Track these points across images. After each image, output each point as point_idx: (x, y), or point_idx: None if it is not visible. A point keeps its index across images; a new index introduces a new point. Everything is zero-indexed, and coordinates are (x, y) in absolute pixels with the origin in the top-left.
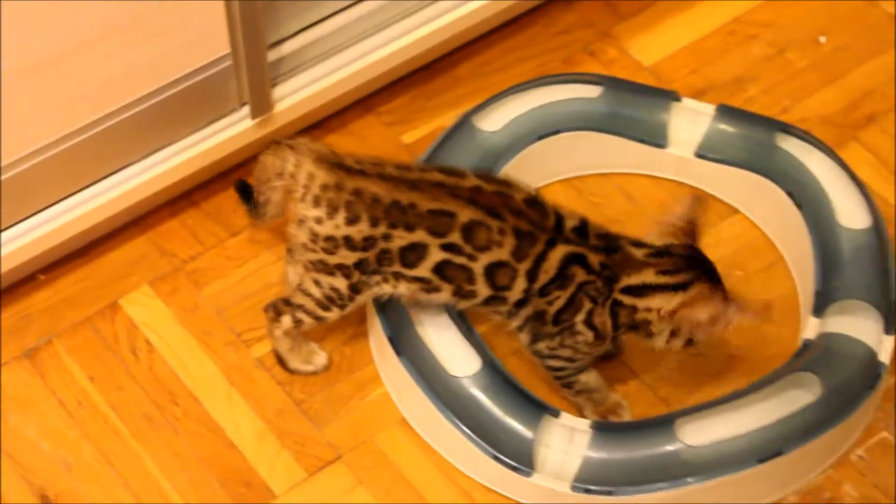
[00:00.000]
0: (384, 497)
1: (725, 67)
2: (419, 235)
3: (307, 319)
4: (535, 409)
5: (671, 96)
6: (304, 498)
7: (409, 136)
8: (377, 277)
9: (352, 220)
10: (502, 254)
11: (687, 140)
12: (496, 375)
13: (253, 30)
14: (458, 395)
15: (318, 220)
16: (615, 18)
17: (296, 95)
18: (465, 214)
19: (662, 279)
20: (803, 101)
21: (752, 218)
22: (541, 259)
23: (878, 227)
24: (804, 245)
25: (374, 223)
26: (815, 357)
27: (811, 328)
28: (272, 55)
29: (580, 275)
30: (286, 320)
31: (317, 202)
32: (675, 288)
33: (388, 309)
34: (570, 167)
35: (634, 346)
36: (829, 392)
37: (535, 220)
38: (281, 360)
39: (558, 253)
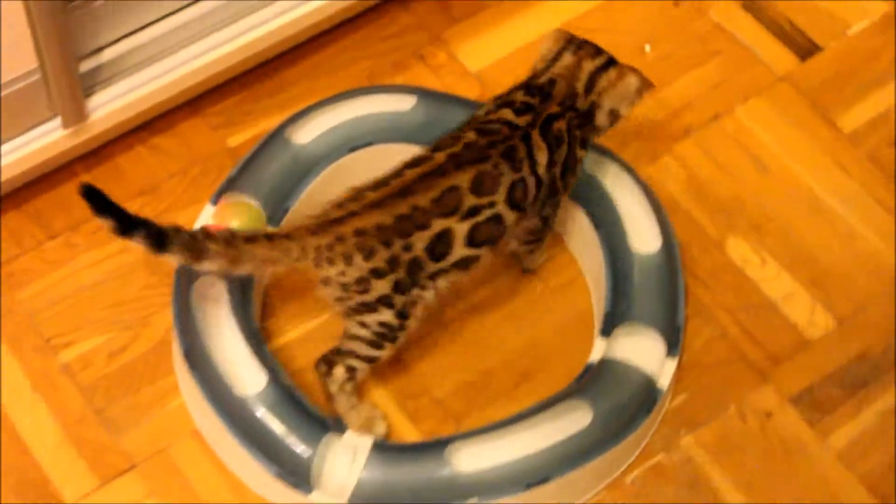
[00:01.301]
0: None
1: None
2: (437, 225)
3: (360, 365)
4: (318, 428)
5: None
6: None
7: (234, 139)
8: (416, 290)
9: (369, 255)
10: (506, 180)
11: None
12: (281, 393)
13: (59, 45)
14: (243, 413)
15: (342, 273)
16: (448, 21)
17: (113, 104)
18: (464, 178)
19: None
20: None
21: (559, 232)
22: (531, 151)
23: (669, 251)
24: (600, 265)
25: (388, 245)
26: (592, 382)
27: (598, 350)
28: (88, 65)
29: (561, 125)
30: (339, 372)
31: (331, 262)
32: (605, 66)
33: (184, 322)
34: None
35: (432, 360)
36: (601, 418)
37: (503, 132)
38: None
39: (538, 133)
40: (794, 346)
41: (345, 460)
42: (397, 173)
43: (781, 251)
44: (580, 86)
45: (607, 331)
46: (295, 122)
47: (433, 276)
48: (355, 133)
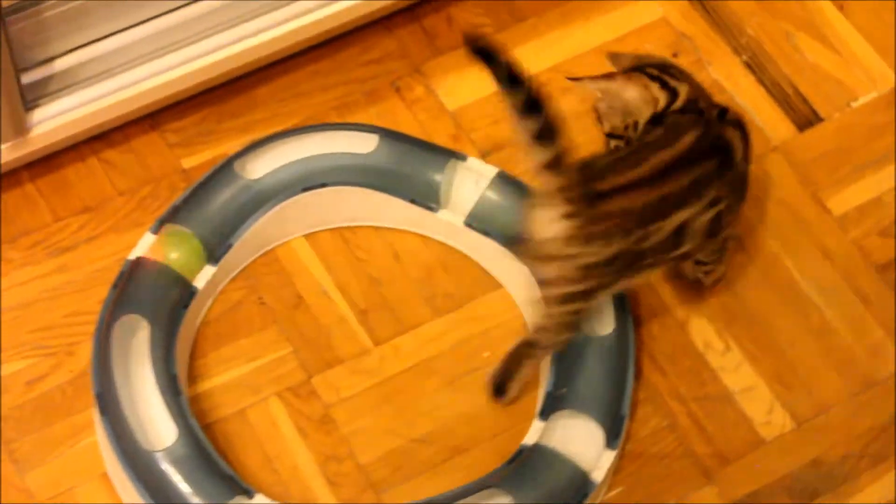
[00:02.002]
0: None
1: None
2: (678, 217)
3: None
4: (226, 488)
5: (454, 155)
6: None
7: (189, 160)
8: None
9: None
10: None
11: (460, 205)
12: (191, 449)
13: None
14: (149, 466)
15: (594, 254)
16: (431, 52)
17: (60, 118)
18: (708, 167)
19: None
20: None
21: (513, 296)
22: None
23: (623, 333)
24: None
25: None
26: (519, 469)
27: (534, 432)
28: (32, 76)
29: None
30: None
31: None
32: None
33: (101, 361)
34: (338, 218)
35: (363, 420)
36: None
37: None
38: (500, 387)
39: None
40: (746, 444)
41: None
42: (649, 146)
43: (747, 338)
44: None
45: (546, 413)
46: (247, 155)
47: (653, 265)
48: (309, 172)
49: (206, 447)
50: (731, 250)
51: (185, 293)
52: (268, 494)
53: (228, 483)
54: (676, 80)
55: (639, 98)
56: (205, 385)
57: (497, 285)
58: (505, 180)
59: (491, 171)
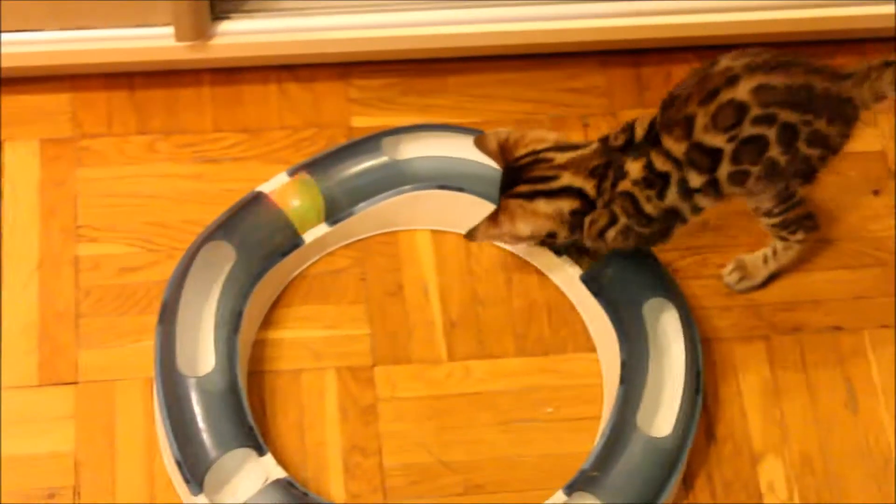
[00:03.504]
0: None
1: None
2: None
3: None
4: (242, 436)
5: None
6: None
7: (359, 119)
8: None
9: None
10: None
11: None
12: (223, 386)
13: None
14: (177, 388)
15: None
16: (636, 100)
17: (244, 37)
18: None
19: None
20: None
21: (601, 364)
22: None
23: (679, 443)
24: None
25: None
26: None
27: (557, 498)
28: None
29: None
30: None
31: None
32: None
33: (180, 275)
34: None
35: (403, 425)
36: None
37: None
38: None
39: None
40: None
41: (248, 480)
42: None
43: (815, 497)
44: None
45: (572, 489)
46: (401, 134)
47: None
48: (453, 172)
49: (238, 391)
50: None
51: (289, 242)
52: (284, 459)
53: (245, 432)
54: (554, 179)
55: (537, 227)
56: (276, 333)
57: (591, 348)
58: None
59: None
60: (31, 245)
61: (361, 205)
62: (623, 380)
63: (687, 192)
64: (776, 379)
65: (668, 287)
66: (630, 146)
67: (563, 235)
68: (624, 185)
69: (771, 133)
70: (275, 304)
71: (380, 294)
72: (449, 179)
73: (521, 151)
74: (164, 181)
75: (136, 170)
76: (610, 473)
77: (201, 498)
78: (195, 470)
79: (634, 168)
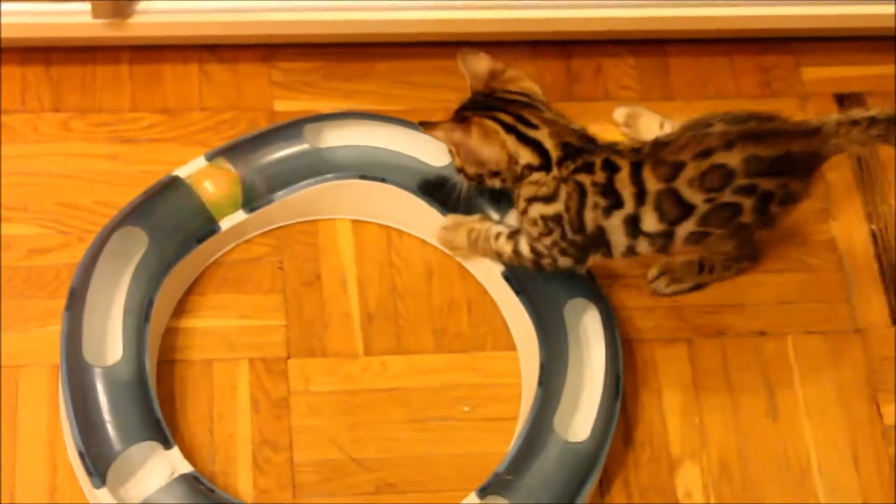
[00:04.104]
0: None
1: None
2: None
3: None
4: (149, 429)
5: None
6: None
7: (282, 104)
8: None
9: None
10: None
11: None
12: (130, 377)
13: None
14: (83, 378)
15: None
16: (565, 93)
17: (163, 16)
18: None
19: None
20: None
21: (521, 364)
22: None
23: (596, 447)
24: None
25: None
26: None
27: (470, 500)
28: None
29: None
30: None
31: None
32: None
33: (89, 261)
34: (388, 218)
35: (320, 419)
36: None
37: None
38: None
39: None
40: None
41: (153, 474)
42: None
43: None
44: None
45: (485, 492)
46: (322, 122)
47: None
48: (375, 162)
49: (146, 382)
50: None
51: (205, 230)
52: (192, 451)
53: (151, 424)
54: (534, 127)
55: (495, 157)
56: (188, 322)
57: (511, 347)
58: None
59: None
60: None
61: (281, 192)
62: (541, 381)
63: (634, 229)
64: (697, 383)
65: (590, 288)
66: (608, 150)
67: (504, 179)
68: (583, 178)
69: (748, 202)
70: (188, 292)
71: (297, 284)
72: (371, 169)
73: (514, 88)
74: (78, 161)
75: (50, 148)
76: (524, 477)
77: (103, 492)
78: (98, 462)
79: (602, 171)
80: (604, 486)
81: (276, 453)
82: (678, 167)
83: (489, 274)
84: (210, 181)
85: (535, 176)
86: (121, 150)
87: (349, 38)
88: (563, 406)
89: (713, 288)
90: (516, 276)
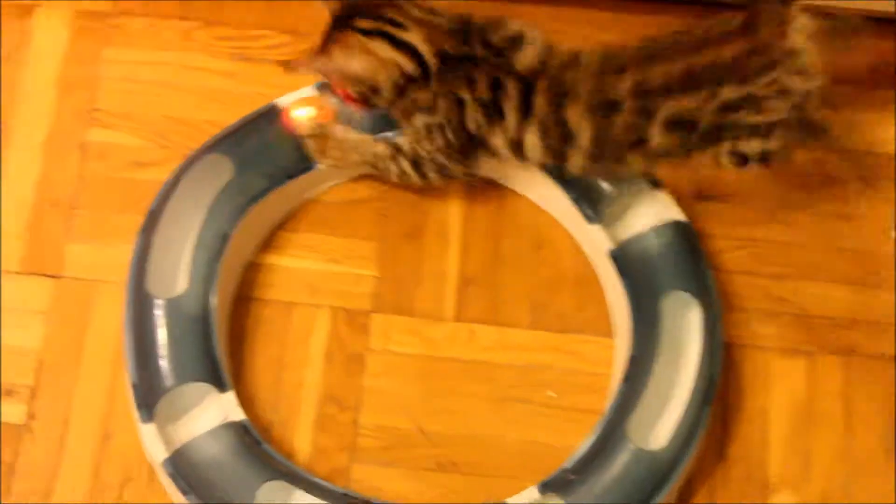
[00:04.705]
0: None
1: None
2: None
3: None
4: (204, 370)
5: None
6: None
7: None
8: None
9: None
10: None
11: (619, 230)
12: (191, 311)
13: None
14: (143, 306)
15: None
16: None
17: None
18: None
19: None
20: None
21: (616, 353)
22: None
23: (675, 456)
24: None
25: None
26: None
27: (525, 497)
28: None
29: None
30: None
31: None
32: None
33: (172, 184)
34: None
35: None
36: None
37: None
38: None
39: None
40: None
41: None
42: None
43: None
44: None
45: (547, 488)
46: None
47: None
48: None
49: (209, 320)
50: None
51: (299, 165)
52: (254, 395)
53: (209, 366)
54: (402, 27)
55: (369, 69)
56: (274, 259)
57: (611, 333)
58: (680, 232)
59: (671, 215)
60: (41, 119)
61: (390, 134)
62: (627, 377)
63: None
64: (811, 404)
65: (698, 280)
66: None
67: (383, 97)
68: (462, 92)
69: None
70: (280, 227)
71: (397, 234)
72: None
73: None
74: (193, 74)
75: (167, 56)
76: (588, 479)
77: (150, 427)
78: (148, 396)
79: (483, 83)
80: (683, 497)
81: (341, 411)
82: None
83: (597, 250)
84: (306, 106)
85: (414, 92)
86: (240, 68)
87: None
88: (642, 408)
89: (851, 300)
90: (624, 254)
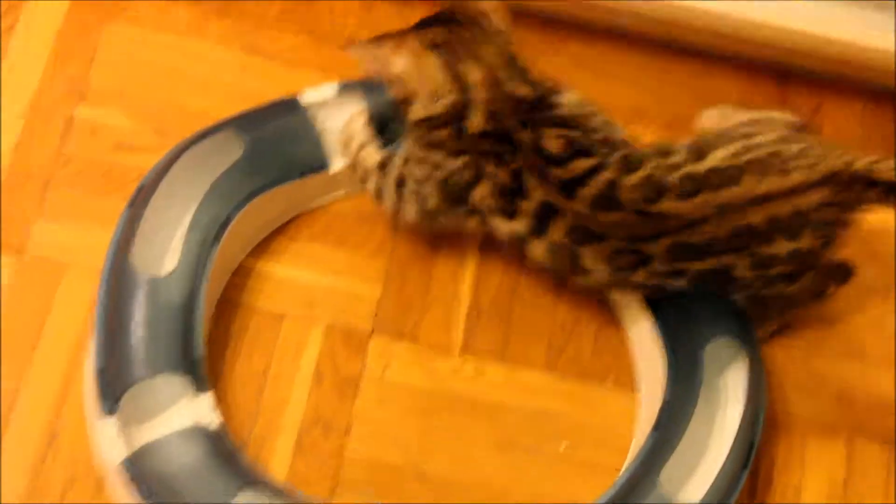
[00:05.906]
0: None
1: None
2: None
3: None
4: (181, 366)
5: None
6: None
7: None
8: None
9: None
10: None
11: None
12: (177, 296)
13: None
14: (127, 283)
15: None
16: None
17: None
18: None
19: None
20: None
21: (640, 410)
22: None
23: None
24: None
25: None
26: None
27: None
28: None
29: None
30: None
31: None
32: None
33: (169, 161)
34: None
35: (415, 432)
36: None
37: None
38: None
39: None
40: None
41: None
42: None
43: None
44: None
45: None
46: None
47: None
48: None
49: (196, 308)
50: None
51: (313, 164)
52: (231, 407)
53: (188, 359)
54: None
55: (408, 74)
56: (270, 266)
57: (634, 387)
58: None
59: None
60: (26, 88)
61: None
62: (657, 426)
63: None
64: (849, 491)
65: (742, 328)
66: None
67: (415, 116)
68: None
69: None
70: (279, 232)
71: (407, 253)
72: None
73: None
74: (201, 62)
75: (173, 40)
76: None
77: (110, 420)
78: (115, 384)
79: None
80: None
81: (326, 437)
82: None
83: (625, 293)
84: (335, 115)
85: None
86: (251, 61)
87: None
88: (675, 460)
89: None
90: (659, 300)
